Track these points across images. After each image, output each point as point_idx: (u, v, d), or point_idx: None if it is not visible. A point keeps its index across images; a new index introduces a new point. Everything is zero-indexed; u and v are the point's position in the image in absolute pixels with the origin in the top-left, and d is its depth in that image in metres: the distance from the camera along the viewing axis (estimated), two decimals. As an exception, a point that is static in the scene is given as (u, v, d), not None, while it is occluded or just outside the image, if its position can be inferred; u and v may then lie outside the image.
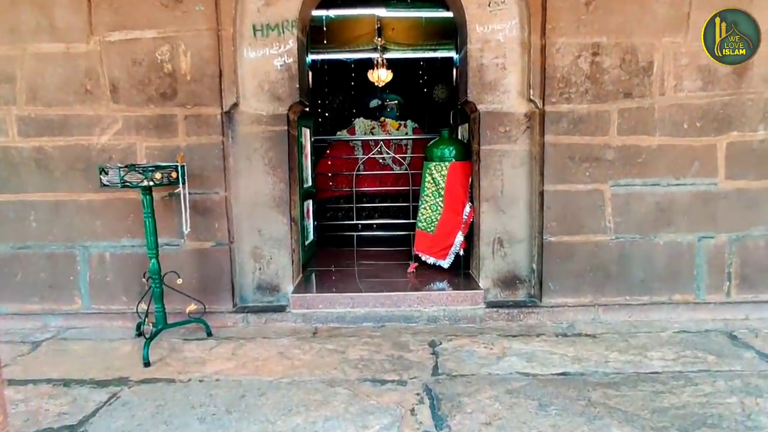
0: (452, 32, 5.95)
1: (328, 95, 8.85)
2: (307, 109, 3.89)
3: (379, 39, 6.58)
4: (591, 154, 3.13)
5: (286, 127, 3.27)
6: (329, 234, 5.73)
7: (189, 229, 2.93)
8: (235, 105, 3.20)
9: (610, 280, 3.23)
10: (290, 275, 3.36)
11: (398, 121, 6.58)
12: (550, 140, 3.12)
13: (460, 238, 3.53)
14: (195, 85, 3.12)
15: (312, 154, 4.45)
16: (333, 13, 5.85)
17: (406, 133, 6.43)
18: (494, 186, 3.29)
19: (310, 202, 4.31)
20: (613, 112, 3.10)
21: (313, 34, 6.02)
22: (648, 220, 3.18)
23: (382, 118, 6.86)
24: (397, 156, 6.02)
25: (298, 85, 3.23)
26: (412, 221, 5.69)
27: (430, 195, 3.64)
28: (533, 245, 3.31)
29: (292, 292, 3.33)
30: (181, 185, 2.78)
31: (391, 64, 7.41)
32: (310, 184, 4.29)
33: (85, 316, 3.27)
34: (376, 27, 6.39)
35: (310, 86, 4.38)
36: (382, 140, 5.98)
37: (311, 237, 4.31)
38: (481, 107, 3.24)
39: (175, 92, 3.12)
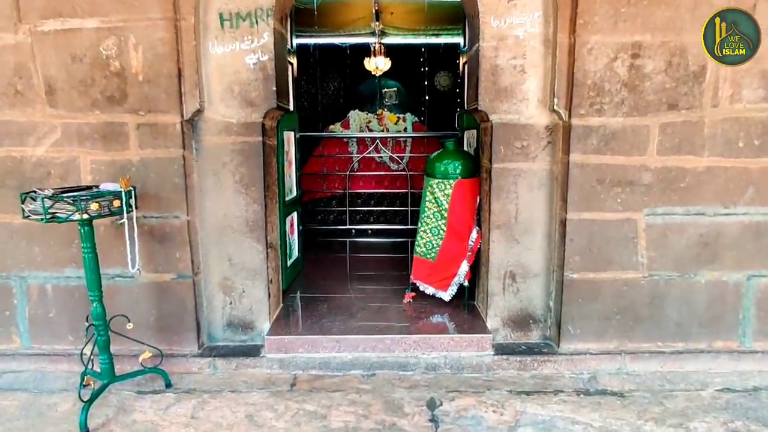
0: (457, 17, 5.35)
1: (320, 84, 8.24)
2: (291, 108, 3.35)
3: (377, 23, 5.97)
4: (624, 177, 2.62)
5: (260, 138, 2.74)
6: (319, 239, 5.26)
7: (138, 266, 2.43)
8: (199, 111, 2.66)
9: (640, 323, 2.75)
10: (266, 310, 2.88)
11: (397, 115, 6.03)
12: (576, 159, 2.60)
13: (465, 267, 3.03)
14: (149, 87, 2.57)
15: (298, 152, 3.93)
16: (325, -6, 5.24)
17: (405, 128, 5.88)
18: (507, 211, 2.78)
19: (295, 214, 3.80)
20: (654, 127, 2.58)
21: (304, 17, 5.43)
22: (688, 255, 2.69)
23: (380, 110, 6.30)
24: (394, 155, 5.49)
25: (275, 88, 2.69)
26: (410, 227, 5.21)
27: (431, 217, 3.12)
28: (551, 281, 2.82)
29: (268, 333, 2.84)
30: (125, 215, 2.27)
31: (389, 50, 6.80)
32: (294, 194, 3.78)
33: (24, 358, 2.79)
34: (374, 10, 5.77)
35: (297, 76, 3.82)
36: (378, 138, 5.44)
37: (295, 255, 3.81)
38: (494, 117, 2.71)
39: (124, 95, 2.58)
